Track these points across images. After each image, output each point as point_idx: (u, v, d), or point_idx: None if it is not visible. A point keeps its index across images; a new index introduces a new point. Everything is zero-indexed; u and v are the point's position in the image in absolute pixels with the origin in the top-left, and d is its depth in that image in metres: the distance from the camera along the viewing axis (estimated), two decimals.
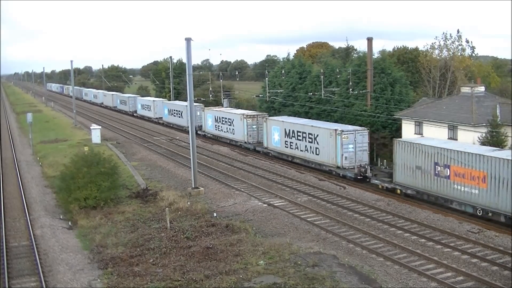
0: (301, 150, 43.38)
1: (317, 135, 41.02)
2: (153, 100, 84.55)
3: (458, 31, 59.76)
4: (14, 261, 25.12)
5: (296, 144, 43.98)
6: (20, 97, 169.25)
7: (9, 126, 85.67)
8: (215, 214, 31.36)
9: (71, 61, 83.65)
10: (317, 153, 41.24)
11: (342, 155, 38.42)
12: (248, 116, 52.05)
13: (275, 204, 33.41)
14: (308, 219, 30.14)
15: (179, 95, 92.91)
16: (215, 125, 59.43)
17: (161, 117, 79.60)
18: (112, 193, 33.51)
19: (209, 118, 60.92)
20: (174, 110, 72.97)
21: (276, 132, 46.66)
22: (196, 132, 52.46)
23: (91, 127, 62.12)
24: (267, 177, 41.38)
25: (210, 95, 63.49)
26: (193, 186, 37.39)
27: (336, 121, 46.13)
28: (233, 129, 54.77)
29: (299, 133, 43.44)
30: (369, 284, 21.15)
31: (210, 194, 36.76)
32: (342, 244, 26.22)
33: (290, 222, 30.00)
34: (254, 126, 51.64)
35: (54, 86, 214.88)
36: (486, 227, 27.62)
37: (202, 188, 37.44)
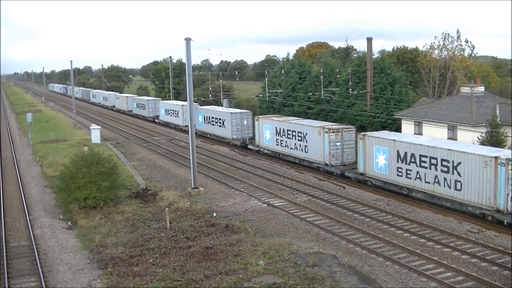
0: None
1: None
2: (182, 105, 70.20)
3: (457, 31, 59.92)
4: (14, 261, 25.12)
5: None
6: (20, 97, 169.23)
7: (8, 126, 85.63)
8: (214, 214, 31.35)
9: (71, 61, 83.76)
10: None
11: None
12: (331, 130, 40.40)
13: (275, 204, 33.40)
14: (308, 219, 30.14)
15: (179, 95, 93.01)
16: (276, 139, 47.36)
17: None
18: (112, 193, 33.50)
19: (266, 130, 48.81)
20: (212, 117, 60.31)
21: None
22: (245, 146, 52.77)
23: (90, 127, 62.11)
24: (266, 177, 41.38)
25: (210, 95, 63.52)
26: (192, 186, 37.38)
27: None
28: (306, 146, 43.27)
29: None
30: (369, 284, 21.14)
31: (210, 194, 36.75)
32: (341, 244, 26.22)
33: (290, 222, 29.99)
34: (338, 143, 40.34)
35: (57, 87, 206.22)
36: (486, 227, 27.61)
37: (202, 188, 37.44)
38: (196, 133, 58.28)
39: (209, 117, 60.62)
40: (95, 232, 28.77)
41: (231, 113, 55.40)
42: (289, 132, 44.50)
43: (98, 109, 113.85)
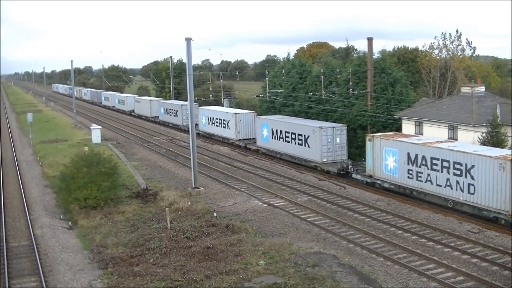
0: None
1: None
2: (234, 113, 55.51)
3: (457, 31, 59.78)
4: (14, 261, 25.12)
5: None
6: (20, 97, 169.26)
7: (9, 126, 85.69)
8: (215, 214, 31.35)
9: (71, 61, 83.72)
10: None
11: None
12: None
13: (275, 204, 33.40)
14: (308, 219, 30.13)
15: (180, 95, 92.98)
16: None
17: (253, 140, 53.09)
18: (112, 193, 33.49)
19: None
20: (287, 132, 45.96)
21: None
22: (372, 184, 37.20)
23: (91, 127, 62.12)
24: (267, 177, 41.37)
25: (210, 95, 63.50)
26: (193, 186, 37.38)
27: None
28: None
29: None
30: (369, 284, 21.14)
31: (210, 194, 36.75)
32: (342, 244, 26.21)
33: (290, 222, 29.99)
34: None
35: (61, 88, 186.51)
36: (486, 227, 27.60)
37: (202, 188, 37.44)
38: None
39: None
40: (96, 232, 28.77)
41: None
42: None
43: (99, 109, 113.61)
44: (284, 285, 20.80)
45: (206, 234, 27.46)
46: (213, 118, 60.58)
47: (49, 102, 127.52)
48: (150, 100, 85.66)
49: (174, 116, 72.89)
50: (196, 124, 61.58)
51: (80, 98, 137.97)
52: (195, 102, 63.07)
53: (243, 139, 54.62)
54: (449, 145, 30.57)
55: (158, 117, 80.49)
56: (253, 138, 53.31)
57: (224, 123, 57.50)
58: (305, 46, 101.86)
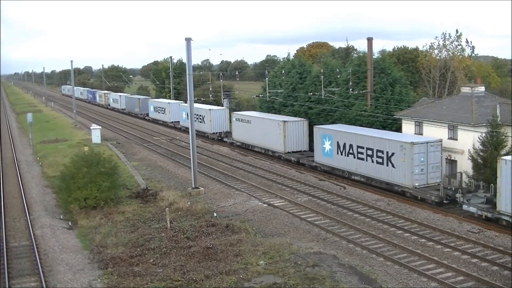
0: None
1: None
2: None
3: (457, 31, 59.74)
4: (14, 261, 25.13)
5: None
6: (20, 97, 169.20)
7: (9, 126, 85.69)
8: (215, 214, 31.35)
9: (71, 61, 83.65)
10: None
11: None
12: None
13: (275, 204, 33.40)
14: (308, 219, 30.14)
15: (179, 95, 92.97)
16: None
17: (305, 154, 46.14)
18: (112, 193, 33.50)
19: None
20: (361, 147, 37.90)
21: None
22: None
23: (91, 127, 62.13)
24: (267, 177, 41.38)
25: (210, 95, 63.47)
26: (193, 186, 37.39)
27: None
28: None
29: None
30: (369, 284, 21.14)
31: (210, 194, 36.76)
32: (342, 244, 26.21)
33: (290, 222, 29.99)
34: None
35: (77, 91, 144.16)
36: (486, 227, 27.61)
37: (202, 188, 37.44)
38: None
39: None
40: (96, 232, 28.77)
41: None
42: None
43: (99, 109, 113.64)
44: (284, 285, 20.80)
45: (206, 234, 27.47)
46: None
47: (49, 102, 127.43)
48: (204, 109, 63.57)
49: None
50: (228, 132, 59.19)
51: (107, 106, 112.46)
52: (232, 109, 64.73)
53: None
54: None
55: (179, 122, 72.05)
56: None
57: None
58: (305, 46, 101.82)
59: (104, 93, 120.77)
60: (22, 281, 22.83)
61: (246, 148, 53.62)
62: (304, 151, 46.72)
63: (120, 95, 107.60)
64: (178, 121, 72.39)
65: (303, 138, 47.01)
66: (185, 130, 63.75)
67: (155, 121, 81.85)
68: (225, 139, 58.87)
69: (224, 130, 61.11)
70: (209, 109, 61.64)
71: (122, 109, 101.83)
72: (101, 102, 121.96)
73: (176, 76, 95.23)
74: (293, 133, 46.68)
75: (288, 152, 46.49)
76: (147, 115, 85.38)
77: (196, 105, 61.47)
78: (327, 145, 40.64)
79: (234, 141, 55.81)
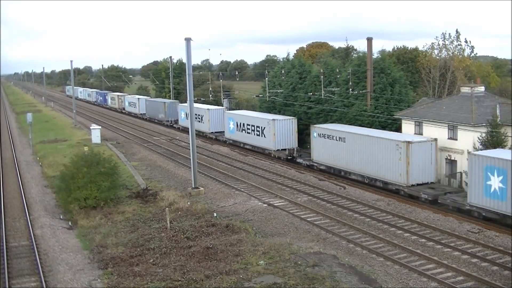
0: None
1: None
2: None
3: (456, 31, 59.68)
4: (14, 261, 25.13)
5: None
6: (20, 97, 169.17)
7: (9, 126, 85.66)
8: (215, 214, 31.36)
9: (71, 61, 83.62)
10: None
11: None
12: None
13: (275, 204, 33.40)
14: (308, 219, 30.14)
15: (179, 95, 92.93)
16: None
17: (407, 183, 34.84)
18: (112, 193, 33.51)
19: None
20: None
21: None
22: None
23: (91, 127, 62.14)
24: (267, 177, 41.38)
25: (210, 95, 63.49)
26: (193, 186, 37.39)
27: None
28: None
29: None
30: (369, 284, 21.15)
31: (210, 194, 36.76)
32: (342, 244, 26.22)
33: (290, 222, 30.00)
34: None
35: (83, 92, 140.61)
36: (486, 227, 27.63)
37: (202, 188, 37.44)
38: None
39: None
40: (96, 232, 28.78)
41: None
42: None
43: (98, 109, 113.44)
44: (284, 285, 20.81)
45: (206, 234, 27.47)
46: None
47: (48, 102, 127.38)
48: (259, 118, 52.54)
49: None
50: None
51: (123, 110, 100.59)
52: (232, 109, 65.46)
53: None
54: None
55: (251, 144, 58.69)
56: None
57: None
58: (305, 46, 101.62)
59: (118, 95, 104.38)
60: (22, 281, 22.82)
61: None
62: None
63: (138, 98, 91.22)
64: (223, 131, 58.96)
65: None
66: (184, 130, 63.90)
67: (184, 130, 64.22)
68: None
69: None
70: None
71: (141, 114, 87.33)
72: (114, 105, 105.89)
73: (176, 76, 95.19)
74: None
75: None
76: (176, 122, 73.24)
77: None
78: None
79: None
